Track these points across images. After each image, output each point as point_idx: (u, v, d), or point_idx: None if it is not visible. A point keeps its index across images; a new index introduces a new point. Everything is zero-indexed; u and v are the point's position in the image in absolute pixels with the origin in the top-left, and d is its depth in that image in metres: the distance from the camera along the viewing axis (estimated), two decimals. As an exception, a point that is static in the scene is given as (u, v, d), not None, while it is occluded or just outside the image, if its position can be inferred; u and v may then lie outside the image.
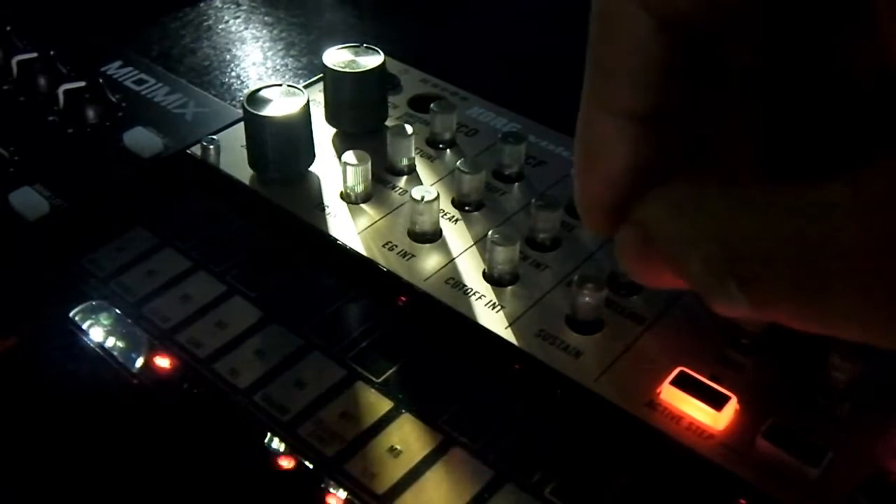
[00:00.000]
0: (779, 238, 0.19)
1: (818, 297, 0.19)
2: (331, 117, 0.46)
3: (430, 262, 0.39)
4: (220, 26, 0.57)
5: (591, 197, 0.25)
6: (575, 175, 0.25)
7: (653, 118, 0.23)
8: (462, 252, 0.40)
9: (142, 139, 0.47)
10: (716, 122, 0.24)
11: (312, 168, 0.44)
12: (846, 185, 0.19)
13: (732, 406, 0.33)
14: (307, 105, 0.42)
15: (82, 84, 0.49)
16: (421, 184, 0.43)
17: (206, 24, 0.58)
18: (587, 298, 0.36)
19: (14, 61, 0.52)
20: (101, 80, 0.50)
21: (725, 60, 0.23)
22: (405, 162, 0.44)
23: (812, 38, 0.22)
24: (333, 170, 0.44)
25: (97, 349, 0.37)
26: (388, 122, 0.47)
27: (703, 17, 0.22)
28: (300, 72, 0.53)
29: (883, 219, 0.18)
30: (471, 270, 0.39)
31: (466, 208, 0.42)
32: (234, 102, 0.50)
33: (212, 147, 0.45)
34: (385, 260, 0.39)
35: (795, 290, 0.20)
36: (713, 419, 0.33)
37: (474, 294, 0.38)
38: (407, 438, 0.33)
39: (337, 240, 0.40)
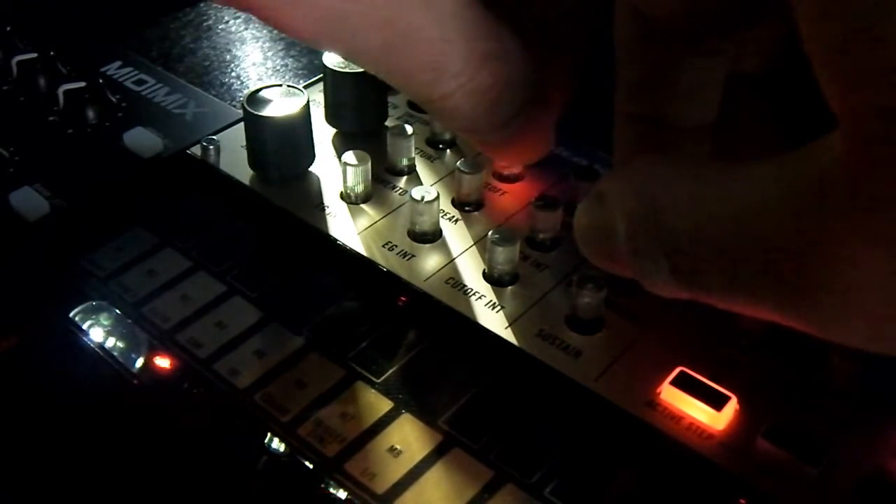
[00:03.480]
0: (716, 225, 0.19)
1: (744, 282, 0.19)
2: (331, 117, 0.46)
3: (430, 262, 0.39)
4: (220, 26, 0.57)
5: None
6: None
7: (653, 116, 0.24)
8: (462, 252, 0.40)
9: (142, 139, 0.47)
10: (728, 109, 0.24)
11: (312, 168, 0.44)
12: (775, 170, 0.18)
13: (732, 406, 0.33)
14: (307, 105, 0.42)
15: (82, 84, 0.49)
16: (421, 184, 0.43)
17: (206, 24, 0.58)
18: (587, 298, 0.36)
19: (14, 61, 0.51)
20: (101, 81, 0.50)
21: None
22: (405, 162, 0.44)
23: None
24: (333, 170, 0.44)
25: (97, 349, 0.37)
26: (388, 122, 0.47)
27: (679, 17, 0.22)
28: (300, 72, 0.53)
29: (797, 199, 0.18)
30: (471, 270, 0.39)
31: (466, 208, 0.42)
32: (234, 102, 0.50)
33: (212, 147, 0.45)
34: (385, 260, 0.39)
35: (724, 276, 0.20)
36: (713, 419, 0.33)
37: (474, 294, 0.38)
38: (407, 438, 0.33)
39: (337, 240, 0.40)
